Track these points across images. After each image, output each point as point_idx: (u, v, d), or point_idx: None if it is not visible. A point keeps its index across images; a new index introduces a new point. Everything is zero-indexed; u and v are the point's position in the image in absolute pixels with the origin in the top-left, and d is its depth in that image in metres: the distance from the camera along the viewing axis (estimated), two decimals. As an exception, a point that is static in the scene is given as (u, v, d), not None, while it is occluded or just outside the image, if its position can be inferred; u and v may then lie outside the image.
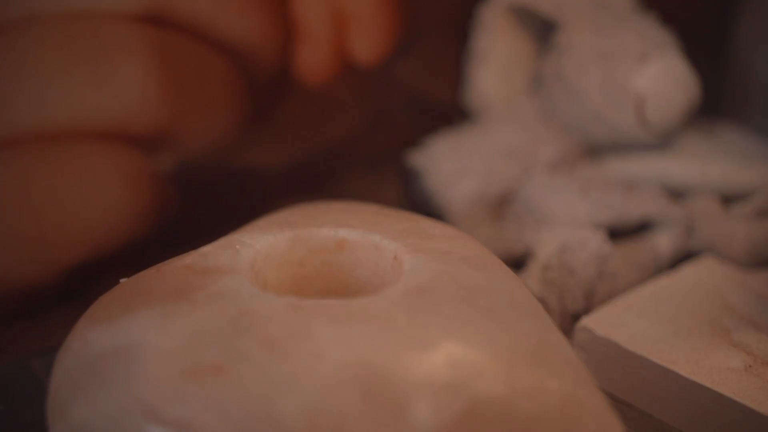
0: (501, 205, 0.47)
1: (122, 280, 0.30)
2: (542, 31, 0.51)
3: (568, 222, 0.43)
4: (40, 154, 0.39)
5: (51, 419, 0.26)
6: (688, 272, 0.41)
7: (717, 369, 0.33)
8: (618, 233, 0.44)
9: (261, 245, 0.32)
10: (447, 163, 0.48)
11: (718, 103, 0.55)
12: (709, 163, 0.46)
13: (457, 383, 0.24)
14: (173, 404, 0.23)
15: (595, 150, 0.48)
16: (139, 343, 0.25)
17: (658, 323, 0.36)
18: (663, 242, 0.44)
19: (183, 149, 0.44)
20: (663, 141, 0.47)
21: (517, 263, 0.42)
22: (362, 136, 0.57)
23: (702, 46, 0.49)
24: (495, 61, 0.50)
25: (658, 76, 0.44)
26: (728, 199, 0.46)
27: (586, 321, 0.36)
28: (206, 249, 0.31)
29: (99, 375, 0.25)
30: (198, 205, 0.47)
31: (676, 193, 0.47)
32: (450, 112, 0.53)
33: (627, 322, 0.36)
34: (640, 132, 0.45)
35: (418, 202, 0.47)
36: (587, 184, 0.45)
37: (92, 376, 0.25)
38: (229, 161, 0.49)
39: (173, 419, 0.23)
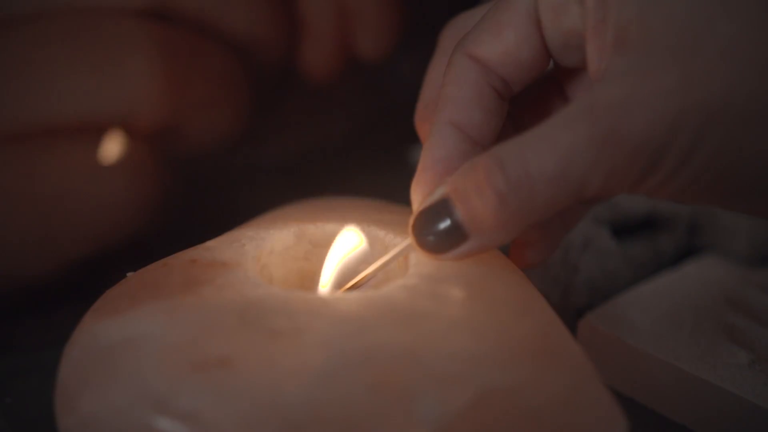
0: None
1: (129, 274, 0.30)
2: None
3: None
4: (45, 148, 0.39)
5: (59, 412, 0.26)
6: (691, 268, 0.41)
7: (720, 364, 0.33)
8: (622, 229, 0.44)
9: (266, 240, 0.32)
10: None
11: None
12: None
13: (464, 375, 0.24)
14: (181, 396, 0.24)
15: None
16: (146, 336, 0.26)
17: (661, 319, 0.36)
18: (667, 238, 0.44)
19: (188, 144, 0.44)
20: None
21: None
22: (366, 132, 0.57)
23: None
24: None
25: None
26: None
27: (590, 317, 0.36)
28: (212, 243, 0.31)
29: (107, 368, 0.25)
30: (203, 199, 0.48)
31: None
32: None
33: (630, 318, 0.36)
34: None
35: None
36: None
37: (100, 369, 0.25)
38: (233, 156, 0.49)
39: (181, 411, 0.23)
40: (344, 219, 0.33)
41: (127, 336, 0.26)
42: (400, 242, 0.31)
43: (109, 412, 0.24)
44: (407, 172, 0.50)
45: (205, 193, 0.48)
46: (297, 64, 0.49)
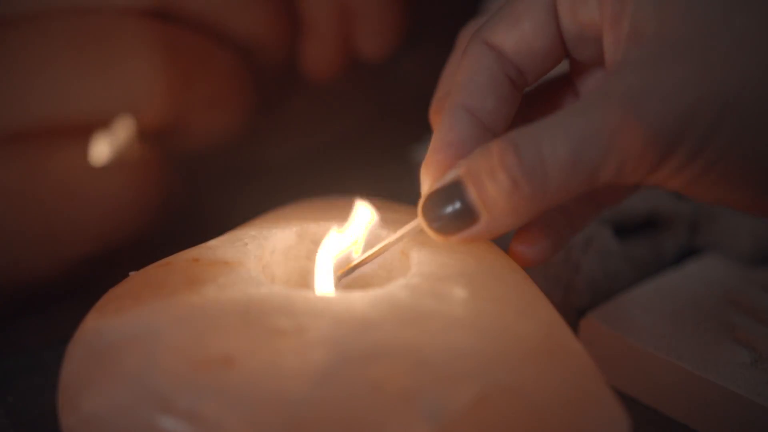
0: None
1: (131, 273, 0.30)
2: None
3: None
4: (48, 147, 0.39)
5: (62, 410, 0.26)
6: (693, 268, 0.41)
7: (723, 363, 0.33)
8: (624, 229, 0.44)
9: (269, 239, 0.32)
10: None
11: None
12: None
13: (466, 374, 0.24)
14: (184, 395, 0.24)
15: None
16: (149, 334, 0.26)
17: (663, 318, 0.36)
18: (668, 238, 0.44)
19: (190, 143, 0.44)
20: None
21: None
22: (368, 131, 0.57)
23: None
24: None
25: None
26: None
27: (592, 315, 0.36)
28: (214, 242, 0.31)
29: (109, 366, 0.25)
30: (205, 199, 0.48)
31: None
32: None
33: (632, 317, 0.36)
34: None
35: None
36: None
37: (103, 368, 0.25)
38: (236, 155, 0.49)
39: (183, 410, 0.23)
40: (345, 218, 0.33)
41: (130, 335, 0.26)
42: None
43: (111, 411, 0.24)
44: (409, 171, 0.50)
45: (207, 192, 0.48)
46: (299, 63, 0.49)
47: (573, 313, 0.39)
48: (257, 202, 0.39)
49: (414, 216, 0.34)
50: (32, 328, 0.38)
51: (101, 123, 0.40)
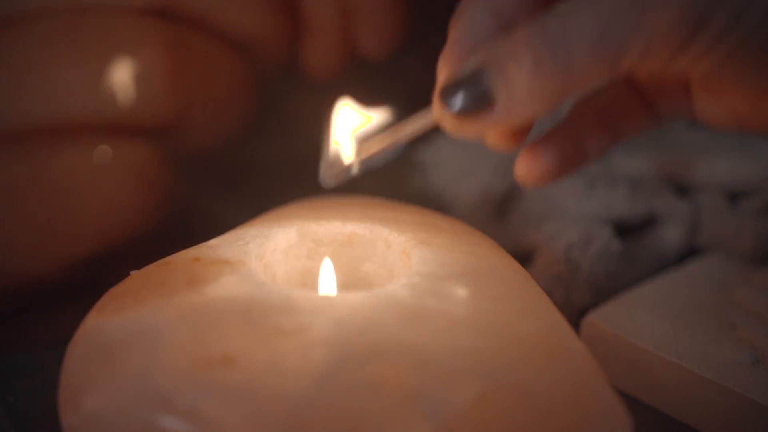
0: (507, 202, 0.47)
1: (132, 272, 0.30)
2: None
3: (575, 218, 0.43)
4: (49, 147, 0.39)
5: (63, 409, 0.26)
6: (694, 267, 0.41)
7: (724, 363, 0.33)
8: (624, 229, 0.44)
9: (269, 238, 0.32)
10: (453, 159, 0.48)
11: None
12: (715, 157, 0.46)
13: (467, 373, 0.24)
14: (184, 394, 0.24)
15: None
16: (149, 333, 0.26)
17: (664, 318, 0.36)
18: (669, 238, 0.44)
19: (191, 142, 0.44)
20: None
21: (524, 258, 0.42)
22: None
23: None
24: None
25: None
26: (734, 195, 0.46)
27: (593, 315, 0.36)
28: (215, 242, 0.31)
29: (111, 365, 0.25)
30: (205, 199, 0.48)
31: (683, 189, 0.47)
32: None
33: (634, 317, 0.36)
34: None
35: (425, 196, 0.47)
36: (594, 180, 0.45)
37: (104, 367, 0.25)
38: (236, 155, 0.49)
39: (184, 409, 0.23)
40: (348, 218, 0.33)
41: (131, 334, 0.26)
42: (406, 239, 0.30)
43: (112, 410, 0.24)
44: (410, 171, 0.50)
45: (207, 192, 0.48)
46: (300, 62, 0.49)
47: (574, 313, 0.39)
48: (257, 202, 0.39)
49: (415, 214, 0.34)
50: (33, 328, 0.38)
51: (102, 122, 0.40)
